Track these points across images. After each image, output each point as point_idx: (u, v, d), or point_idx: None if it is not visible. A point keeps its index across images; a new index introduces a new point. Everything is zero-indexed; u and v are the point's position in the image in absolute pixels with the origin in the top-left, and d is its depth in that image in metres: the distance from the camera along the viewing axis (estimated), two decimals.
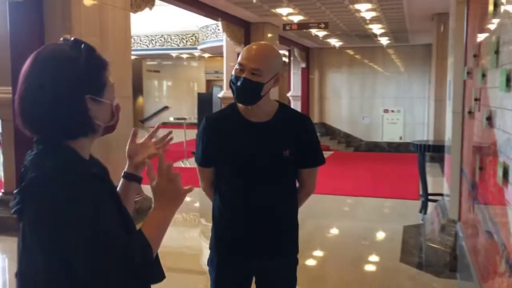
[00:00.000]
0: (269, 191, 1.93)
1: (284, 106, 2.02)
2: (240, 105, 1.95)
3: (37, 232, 1.09)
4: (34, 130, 1.17)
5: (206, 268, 2.09)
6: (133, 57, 19.33)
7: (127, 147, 1.49)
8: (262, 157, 1.91)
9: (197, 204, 6.91)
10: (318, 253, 4.95)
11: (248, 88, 1.84)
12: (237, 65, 1.89)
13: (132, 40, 16.73)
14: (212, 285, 2.03)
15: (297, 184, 2.10)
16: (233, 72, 1.90)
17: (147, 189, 5.57)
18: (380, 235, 5.69)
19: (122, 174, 1.49)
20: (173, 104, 19.95)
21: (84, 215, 1.06)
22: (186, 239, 5.43)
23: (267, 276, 2.03)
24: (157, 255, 1.25)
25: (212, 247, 2.04)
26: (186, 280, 4.13)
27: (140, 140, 1.51)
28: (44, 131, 1.16)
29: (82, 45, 1.18)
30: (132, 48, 16.88)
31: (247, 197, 1.93)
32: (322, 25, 10.07)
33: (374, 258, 4.80)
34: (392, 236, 5.44)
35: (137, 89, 21.04)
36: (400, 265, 4.42)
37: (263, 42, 2.06)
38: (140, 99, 21.36)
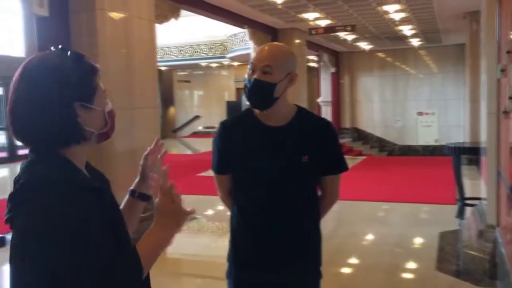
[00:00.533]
0: (287, 200, 1.85)
1: (303, 110, 1.93)
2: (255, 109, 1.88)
3: (24, 240, 1.07)
4: (25, 140, 1.15)
5: None
6: (164, 68, 19.65)
7: (144, 161, 1.44)
8: (279, 163, 1.82)
9: (229, 213, 6.87)
10: (351, 261, 4.82)
11: (259, 89, 1.77)
12: (249, 65, 1.82)
13: (162, 51, 17.02)
14: None
15: (319, 193, 2.00)
16: (245, 76, 1.84)
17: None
18: (415, 242, 5.50)
19: (129, 192, 1.45)
20: (204, 113, 20.10)
21: (69, 226, 1.03)
22: (220, 248, 5.38)
23: None
24: (147, 276, 1.20)
25: (229, 259, 1.97)
26: None
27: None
28: (35, 140, 1.15)
29: (69, 52, 1.17)
30: (163, 59, 17.22)
31: (264, 206, 1.85)
32: (349, 28, 9.94)
33: (409, 266, 4.64)
34: (427, 243, 5.24)
35: (169, 100, 21.31)
36: (437, 274, 4.24)
37: (277, 43, 1.99)
38: (172, 109, 21.61)
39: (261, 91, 1.77)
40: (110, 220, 1.14)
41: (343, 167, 1.94)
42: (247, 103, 1.88)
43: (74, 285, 1.05)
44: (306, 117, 1.91)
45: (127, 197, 1.45)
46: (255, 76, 1.77)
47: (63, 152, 1.16)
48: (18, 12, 4.99)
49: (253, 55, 1.85)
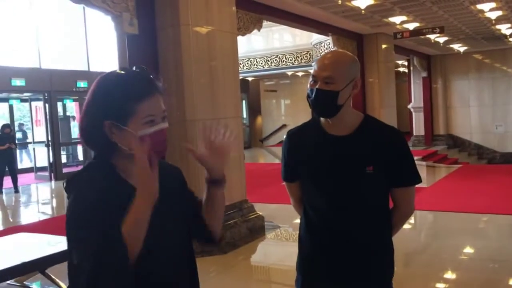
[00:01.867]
0: (353, 211, 1.79)
1: (370, 118, 1.86)
2: (321, 118, 1.85)
3: None
4: (85, 145, 1.37)
5: None
6: (251, 78, 20.01)
7: (199, 157, 1.43)
8: (342, 173, 1.77)
9: None
10: (445, 276, 4.53)
11: (322, 98, 1.74)
12: (311, 77, 1.80)
13: (249, 62, 17.36)
14: None
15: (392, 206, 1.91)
16: (308, 86, 1.82)
17: (260, 207, 5.52)
18: None
19: (206, 180, 1.46)
20: (291, 122, 20.13)
21: (76, 218, 1.22)
22: None
23: None
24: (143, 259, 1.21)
25: (297, 267, 1.94)
26: None
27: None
28: (87, 146, 1.35)
29: (116, 74, 1.32)
30: (250, 70, 17.54)
31: (326, 215, 1.81)
32: (437, 30, 9.45)
33: (507, 282, 4.27)
34: None
35: (256, 109, 21.64)
36: None
37: (336, 49, 1.94)
38: (259, 119, 21.92)
39: (324, 100, 1.75)
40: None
41: (414, 179, 1.83)
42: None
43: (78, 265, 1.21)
44: (373, 126, 1.83)
45: (205, 189, 1.48)
46: (317, 86, 1.75)
47: (112, 160, 1.33)
48: (112, 32, 5.34)
49: (314, 65, 1.82)
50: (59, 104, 13.80)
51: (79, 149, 14.61)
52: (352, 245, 1.80)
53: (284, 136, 2.03)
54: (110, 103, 1.28)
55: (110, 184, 1.27)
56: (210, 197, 1.47)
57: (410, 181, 1.84)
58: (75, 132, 15.40)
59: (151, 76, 1.33)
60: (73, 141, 15.05)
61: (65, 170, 13.23)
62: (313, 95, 1.76)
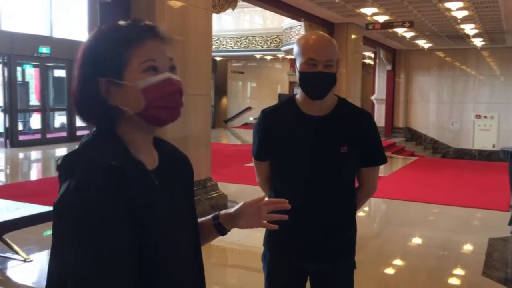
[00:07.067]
0: (324, 189, 1.86)
1: (343, 101, 1.94)
2: (298, 98, 1.90)
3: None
4: (80, 118, 1.10)
5: None
6: (219, 58, 19.87)
7: (244, 205, 1.33)
8: (318, 152, 1.84)
9: None
10: (393, 262, 4.74)
11: (325, 81, 1.80)
12: (307, 60, 1.79)
13: (218, 42, 17.22)
14: (265, 281, 1.99)
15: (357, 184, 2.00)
16: (298, 69, 1.82)
17: (222, 186, 5.57)
18: (462, 247, 5.33)
19: (215, 215, 1.34)
20: (256, 105, 20.21)
21: (75, 212, 0.93)
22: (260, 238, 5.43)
23: (322, 279, 1.94)
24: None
25: (265, 243, 2.00)
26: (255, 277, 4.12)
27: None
28: (83, 117, 1.09)
29: (104, 26, 1.08)
30: (219, 49, 17.39)
31: (301, 194, 1.86)
32: (407, 24, 9.69)
33: (454, 270, 4.50)
34: (476, 249, 5.08)
35: (222, 90, 21.56)
36: (483, 279, 4.11)
37: (319, 32, 2.01)
38: (224, 100, 21.86)
39: (326, 83, 1.81)
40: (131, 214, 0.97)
41: (381, 159, 1.95)
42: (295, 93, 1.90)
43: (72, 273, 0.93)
44: (347, 108, 1.92)
45: (210, 216, 1.35)
46: (319, 70, 1.78)
47: (117, 130, 1.06)
48: None
49: (301, 46, 1.83)
50: (19, 69, 13.31)
51: (36, 117, 14.20)
52: (323, 222, 1.87)
53: (255, 116, 2.07)
54: (99, 56, 1.03)
55: (119, 165, 0.98)
56: (205, 231, 1.32)
57: (378, 161, 1.95)
58: (33, 98, 14.94)
59: (148, 23, 1.08)
60: (30, 108, 14.61)
61: (21, 138, 12.85)
62: (317, 79, 1.79)
